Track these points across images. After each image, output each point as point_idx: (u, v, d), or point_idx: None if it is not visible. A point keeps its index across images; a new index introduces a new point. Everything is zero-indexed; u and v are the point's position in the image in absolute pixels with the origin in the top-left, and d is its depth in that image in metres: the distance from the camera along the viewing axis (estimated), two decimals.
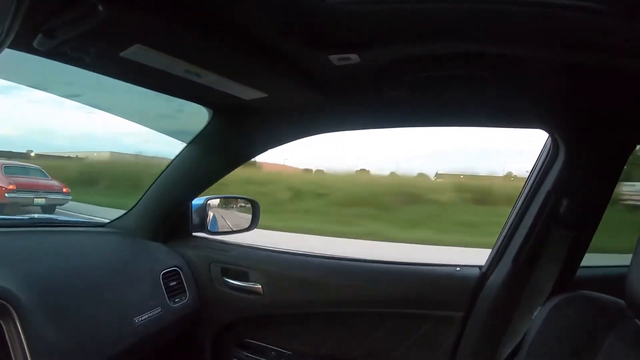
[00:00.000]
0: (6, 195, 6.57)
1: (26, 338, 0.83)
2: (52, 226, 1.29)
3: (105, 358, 1.00)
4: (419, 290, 1.30)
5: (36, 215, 1.27)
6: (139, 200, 1.45)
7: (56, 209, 6.83)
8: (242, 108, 1.19)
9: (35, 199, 6.79)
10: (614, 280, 0.78)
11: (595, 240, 1.17)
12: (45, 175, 7.62)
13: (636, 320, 0.75)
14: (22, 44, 0.77)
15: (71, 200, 7.30)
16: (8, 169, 7.22)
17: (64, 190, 7.31)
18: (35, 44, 0.75)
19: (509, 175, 10.85)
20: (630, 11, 0.63)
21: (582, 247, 1.17)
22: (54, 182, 7.46)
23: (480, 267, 1.30)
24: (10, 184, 6.74)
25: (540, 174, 1.20)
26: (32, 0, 0.47)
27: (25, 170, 7.63)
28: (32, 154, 10.85)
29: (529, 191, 1.22)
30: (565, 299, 0.88)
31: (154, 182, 1.43)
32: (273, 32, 0.83)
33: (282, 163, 12.94)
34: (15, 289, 0.87)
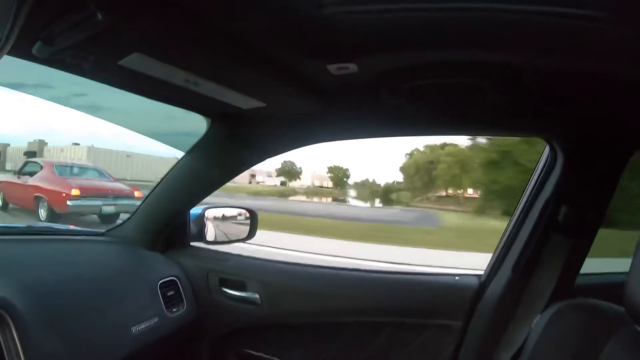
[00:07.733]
0: (68, 203, 5.06)
1: (22, 346, 0.83)
2: (49, 234, 1.28)
3: None
4: (418, 300, 1.29)
5: (34, 224, 1.27)
6: (137, 209, 1.45)
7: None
8: (241, 117, 1.19)
9: (103, 207, 5.23)
10: (613, 287, 0.78)
11: None
12: (106, 176, 5.94)
13: (636, 326, 0.75)
14: (21, 51, 0.77)
15: None
16: (62, 170, 5.66)
17: (136, 194, 5.52)
18: (34, 51, 0.76)
19: None
20: (623, 18, 0.64)
21: (581, 254, 1.17)
22: (121, 185, 5.83)
23: (479, 275, 1.29)
24: (74, 188, 5.15)
25: (538, 181, 1.20)
26: (32, 7, 0.48)
27: (82, 171, 6.02)
28: None
29: (527, 199, 1.22)
30: (565, 306, 0.87)
31: (152, 191, 1.42)
32: (271, 41, 0.83)
33: None
34: (12, 297, 0.87)
